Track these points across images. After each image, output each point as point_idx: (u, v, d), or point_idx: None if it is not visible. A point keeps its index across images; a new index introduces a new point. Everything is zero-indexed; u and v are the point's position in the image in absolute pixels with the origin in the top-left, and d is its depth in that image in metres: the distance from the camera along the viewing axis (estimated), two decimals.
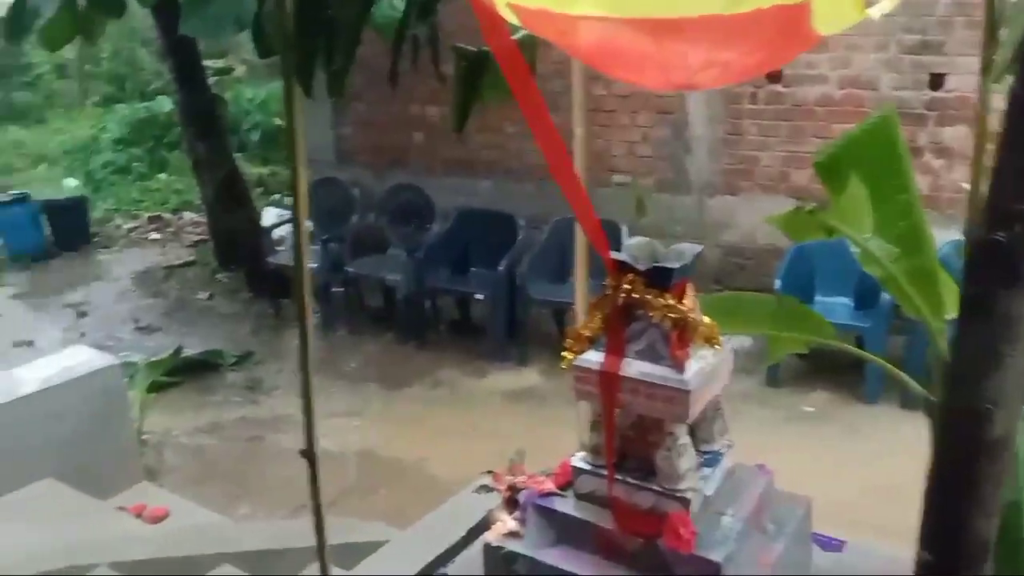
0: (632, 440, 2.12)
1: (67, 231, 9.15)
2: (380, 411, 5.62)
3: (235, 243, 7.80)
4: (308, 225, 7.18)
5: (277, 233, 7.31)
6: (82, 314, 7.52)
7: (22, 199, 8.96)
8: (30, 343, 6.90)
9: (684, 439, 2.08)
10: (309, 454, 1.72)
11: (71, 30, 4.66)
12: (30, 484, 3.64)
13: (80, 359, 4.04)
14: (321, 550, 1.85)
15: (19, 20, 4.91)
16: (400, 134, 7.54)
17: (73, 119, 14.23)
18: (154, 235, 9.71)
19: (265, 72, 12.68)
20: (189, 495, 4.25)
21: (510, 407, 5.56)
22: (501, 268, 6.16)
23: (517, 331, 6.21)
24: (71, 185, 10.43)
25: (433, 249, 6.57)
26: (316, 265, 6.77)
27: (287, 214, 8.28)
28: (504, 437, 5.02)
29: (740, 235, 6.17)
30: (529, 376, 5.94)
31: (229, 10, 2.08)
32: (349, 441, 5.10)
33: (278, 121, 11.65)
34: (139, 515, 3.69)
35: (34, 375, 3.94)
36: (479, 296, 6.36)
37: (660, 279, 1.98)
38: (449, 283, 6.55)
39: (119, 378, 4.12)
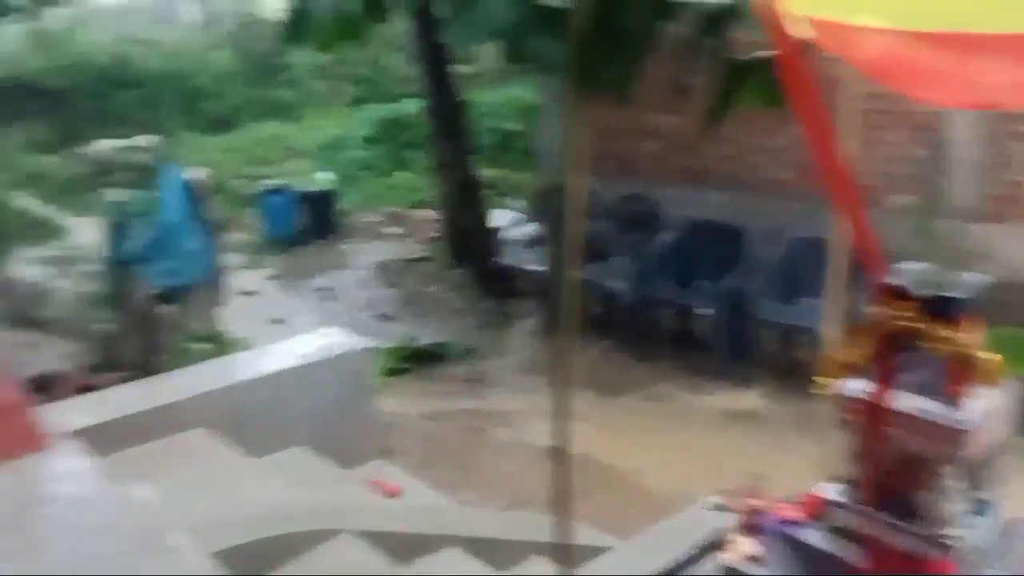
0: (894, 477, 2.00)
1: (318, 221, 9.96)
2: (595, 417, 5.66)
3: (467, 242, 8.16)
4: (535, 228, 7.36)
5: (507, 234, 7.57)
6: (328, 298, 8.16)
7: (283, 189, 9.85)
8: (282, 321, 7.56)
9: (953, 482, 1.94)
10: (559, 455, 1.77)
11: (342, 34, 5.11)
12: (285, 449, 4.00)
13: (334, 340, 4.39)
14: (564, 549, 1.89)
15: (297, 24, 5.45)
16: (632, 142, 7.56)
17: (326, 117, 15.49)
18: (393, 229, 10.36)
19: (500, 77, 13.18)
20: (418, 476, 4.50)
21: (728, 427, 5.42)
22: (728, 283, 6.02)
23: (741, 349, 6.03)
24: (324, 178, 11.35)
25: (659, 259, 6.53)
26: (542, 268, 6.97)
27: (517, 216, 8.57)
28: (721, 457, 4.91)
29: (1004, 267, 5.62)
30: (751, 398, 5.75)
31: (488, 20, 2.19)
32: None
33: (510, 125, 12.08)
34: (376, 489, 3.95)
35: (294, 351, 4.33)
36: (702, 310, 6.25)
37: (944, 309, 1.85)
38: (673, 295, 6.48)
39: (368, 361, 4.45)
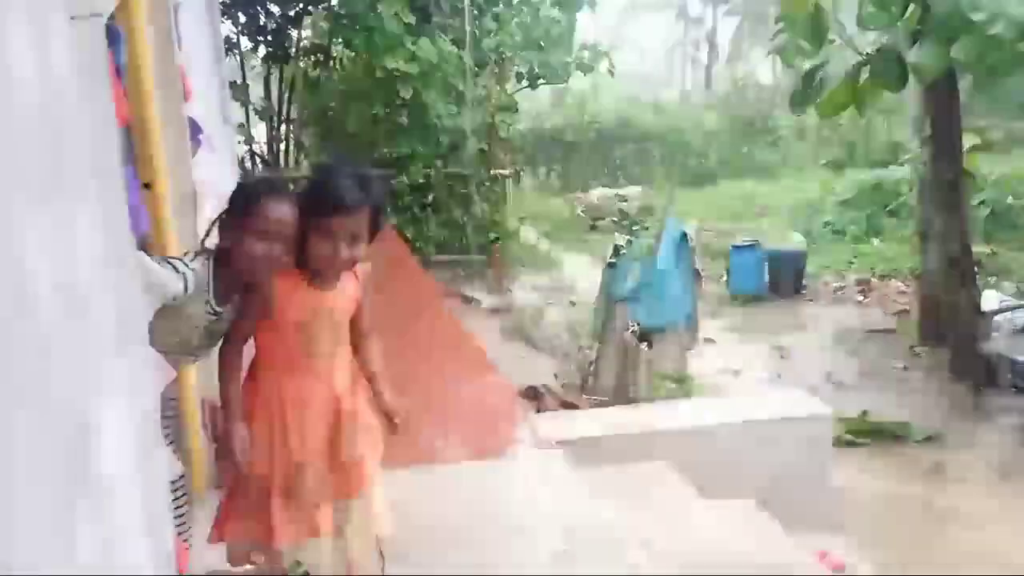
0: None
1: (784, 280, 10.07)
2: None
3: (944, 320, 7.62)
4: None
5: (996, 319, 6.93)
6: (783, 357, 8.24)
7: (753, 245, 10.16)
8: (737, 372, 7.83)
9: None
10: None
11: (846, 100, 5.24)
12: (736, 499, 4.24)
13: (798, 401, 4.53)
14: None
15: (806, 91, 5.70)
16: None
17: (802, 179, 15.51)
18: (858, 297, 10.04)
19: (1005, 147, 11.97)
20: (863, 555, 4.42)
21: None
22: None
23: None
24: (796, 239, 11.41)
25: None
26: None
27: (1010, 300, 7.77)
28: None
29: None
30: None
31: (1021, 94, 2.15)
32: None
33: (1011, 199, 10.92)
34: (821, 559, 3.99)
35: (760, 404, 4.57)
36: None
37: None
38: None
39: (828, 428, 4.51)
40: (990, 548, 4.91)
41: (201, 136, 2.54)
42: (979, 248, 10.28)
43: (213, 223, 2.13)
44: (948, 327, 7.53)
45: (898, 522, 5.23)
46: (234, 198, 2.10)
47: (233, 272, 2.06)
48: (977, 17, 3.80)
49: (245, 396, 2.17)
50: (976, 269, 8.95)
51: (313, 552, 2.20)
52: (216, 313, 2.10)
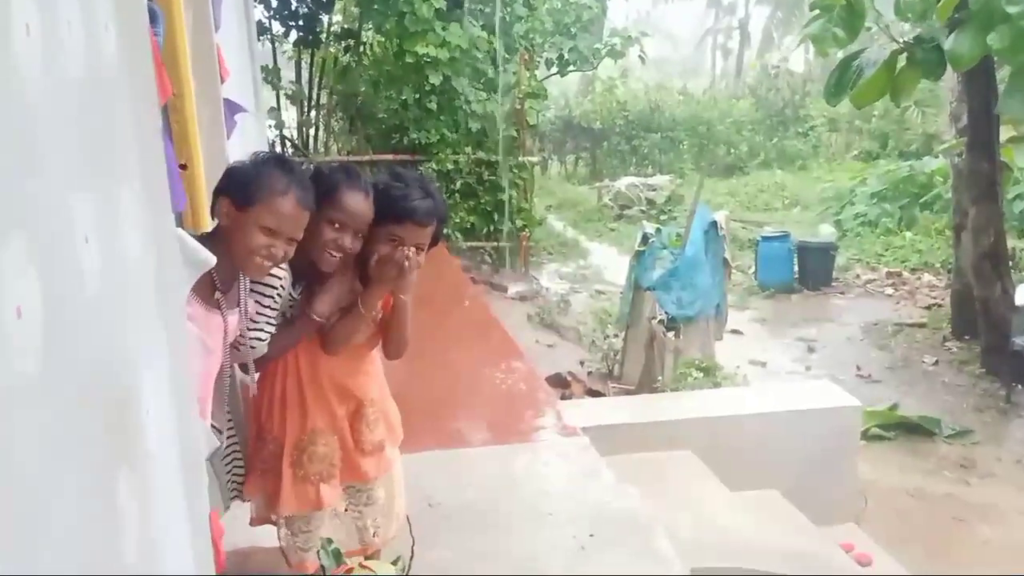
0: None
1: (813, 272, 9.98)
2: None
3: (975, 314, 7.52)
4: None
5: None
6: (811, 349, 8.18)
7: (783, 236, 10.08)
8: (763, 364, 7.79)
9: None
10: None
11: (882, 89, 5.15)
12: (761, 489, 4.23)
13: (826, 392, 4.51)
14: None
15: (842, 80, 5.61)
16: None
17: (833, 169, 15.34)
18: (889, 290, 9.94)
19: None
20: (888, 549, 4.39)
21: None
22: None
23: None
24: (827, 231, 11.29)
25: None
26: None
27: None
28: None
29: None
30: None
31: None
32: None
33: None
34: (847, 552, 3.97)
35: (786, 395, 4.55)
36: None
37: None
38: None
39: (856, 420, 4.48)
40: (1009, 540, 4.86)
41: (237, 117, 2.56)
42: (1014, 242, 10.14)
43: None
44: (981, 322, 7.43)
45: (924, 517, 5.19)
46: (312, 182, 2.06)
47: (298, 258, 2.02)
48: (1013, 9, 3.74)
49: (273, 362, 2.20)
50: (1011, 263, 8.83)
51: (317, 522, 2.27)
52: (293, 299, 2.13)
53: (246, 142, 3.56)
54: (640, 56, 11.40)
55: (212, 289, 1.89)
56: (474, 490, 3.30)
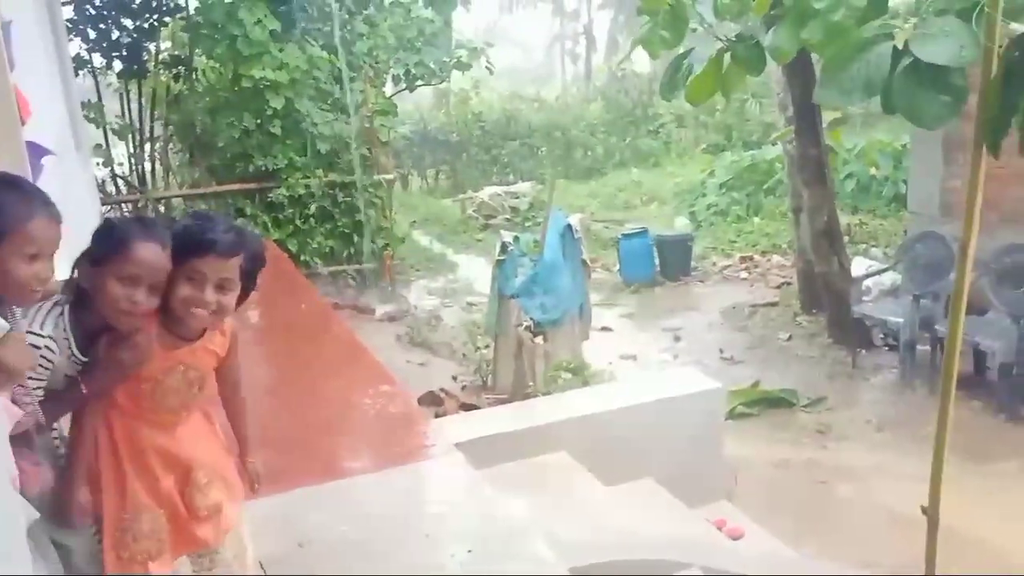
0: None
1: (673, 264, 10.34)
2: (961, 484, 5.26)
3: (819, 289, 8.00)
4: (895, 277, 7.06)
5: (865, 284, 7.31)
6: (677, 338, 8.47)
7: (641, 233, 10.40)
8: (633, 357, 8.00)
9: None
10: (931, 515, 1.81)
11: (712, 86, 5.38)
12: (636, 480, 4.34)
13: (689, 378, 4.67)
14: None
15: (673, 79, 5.83)
16: (1018, 189, 6.90)
17: (685, 164, 15.98)
18: (743, 274, 10.42)
19: (862, 121, 12.65)
20: (759, 522, 4.59)
21: None
22: None
23: None
24: (682, 223, 11.72)
25: None
26: (902, 320, 6.65)
27: (876, 265, 8.21)
28: None
29: None
30: None
31: (863, 77, 2.19)
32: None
33: (873, 171, 11.54)
34: (719, 529, 4.13)
35: (651, 386, 4.68)
36: None
37: None
38: None
39: (720, 402, 4.66)
40: (867, 498, 5.18)
41: (44, 160, 2.41)
42: (849, 218, 10.85)
43: (76, 263, 1.98)
44: (824, 296, 7.90)
45: (791, 484, 5.46)
46: (100, 237, 1.96)
47: (93, 317, 1.93)
48: (820, 5, 3.99)
49: (82, 433, 2.05)
50: (846, 238, 9.43)
51: None
52: (82, 363, 1.98)
53: (66, 184, 3.36)
54: (487, 67, 11.51)
55: None
56: (349, 522, 3.22)
